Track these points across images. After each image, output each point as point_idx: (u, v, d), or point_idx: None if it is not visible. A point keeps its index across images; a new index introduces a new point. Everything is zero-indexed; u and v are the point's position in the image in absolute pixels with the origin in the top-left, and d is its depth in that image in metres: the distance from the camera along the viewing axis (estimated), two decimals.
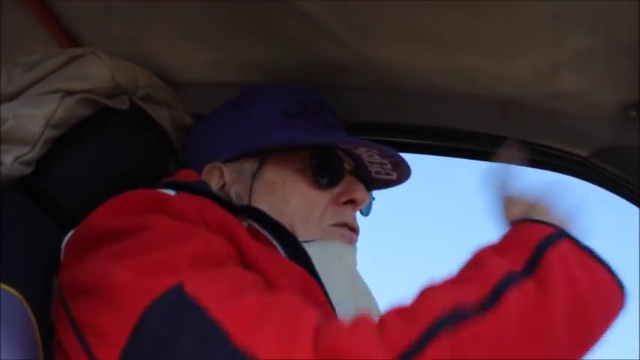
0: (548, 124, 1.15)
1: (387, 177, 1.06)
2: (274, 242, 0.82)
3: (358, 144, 0.98)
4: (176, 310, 0.64)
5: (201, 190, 0.85)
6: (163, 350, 0.63)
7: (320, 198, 0.96)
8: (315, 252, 0.87)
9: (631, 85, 1.02)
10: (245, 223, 0.84)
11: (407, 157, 1.02)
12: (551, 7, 0.93)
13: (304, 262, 0.80)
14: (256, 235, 0.83)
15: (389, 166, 1.03)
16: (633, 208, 1.09)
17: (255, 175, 0.96)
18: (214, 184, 0.96)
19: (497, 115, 1.17)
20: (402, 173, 1.05)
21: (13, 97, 0.99)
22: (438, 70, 1.13)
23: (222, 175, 0.97)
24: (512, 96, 1.14)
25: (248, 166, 0.97)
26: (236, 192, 0.96)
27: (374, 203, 1.08)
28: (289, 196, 0.95)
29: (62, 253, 0.81)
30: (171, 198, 0.79)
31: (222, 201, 0.85)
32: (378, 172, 1.05)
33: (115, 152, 1.01)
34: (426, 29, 1.03)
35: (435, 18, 1.00)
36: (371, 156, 1.00)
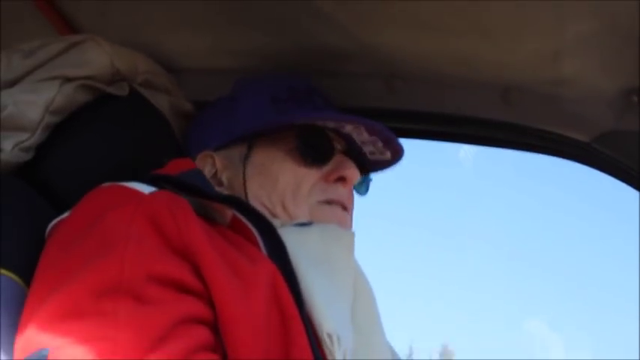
0: (548, 110, 1.15)
1: (382, 157, 1.07)
2: (255, 232, 0.82)
3: (336, 118, 0.98)
4: None
5: (185, 184, 0.85)
6: None
7: (308, 175, 0.97)
8: (313, 235, 0.87)
9: (632, 71, 1.02)
10: (229, 213, 0.85)
11: (407, 142, 1.02)
12: None
13: (281, 252, 0.80)
14: (239, 225, 0.83)
15: (380, 144, 1.04)
16: (634, 192, 1.09)
17: (246, 159, 0.97)
18: (207, 172, 0.98)
19: (498, 101, 1.17)
20: (395, 151, 1.05)
21: (12, 83, 0.98)
22: (439, 56, 1.13)
23: (214, 163, 0.99)
24: (513, 82, 1.14)
25: (237, 151, 0.99)
26: (227, 178, 0.98)
27: (371, 185, 1.09)
28: (278, 175, 0.96)
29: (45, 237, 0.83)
30: (144, 197, 0.77)
31: (207, 192, 0.85)
32: (372, 153, 1.06)
33: (114, 138, 1.01)
34: (427, 15, 1.03)
35: (436, 4, 1.00)
36: (360, 134, 1.01)
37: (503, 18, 1.00)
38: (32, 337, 0.65)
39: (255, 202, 0.94)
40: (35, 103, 0.94)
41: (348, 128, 1.00)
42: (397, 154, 1.06)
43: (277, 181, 0.95)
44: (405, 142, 1.03)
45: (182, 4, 1.15)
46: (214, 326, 0.69)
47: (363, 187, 1.06)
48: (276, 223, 0.87)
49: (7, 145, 0.92)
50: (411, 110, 1.24)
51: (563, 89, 1.11)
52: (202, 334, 0.67)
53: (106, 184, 0.83)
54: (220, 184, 0.98)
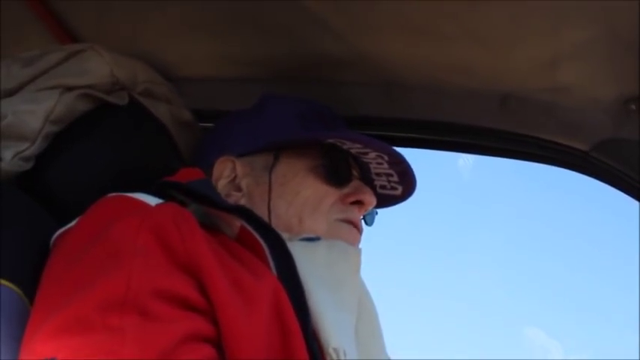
0: (547, 118, 1.14)
1: (392, 192, 1.08)
2: (263, 245, 0.82)
3: (367, 142, 0.99)
4: None
5: (194, 193, 0.85)
6: None
7: (329, 193, 0.99)
8: (320, 251, 0.88)
9: (630, 79, 1.02)
10: (237, 224, 0.85)
11: (405, 151, 1.02)
12: None
13: (289, 265, 0.80)
14: (247, 236, 0.83)
15: (395, 178, 1.05)
16: (633, 202, 1.09)
17: (272, 169, 0.98)
18: (226, 176, 0.99)
19: (496, 109, 1.17)
20: (408, 186, 1.07)
21: (12, 93, 0.99)
22: (437, 64, 1.13)
23: (234, 168, 0.99)
24: (511, 89, 1.14)
25: (261, 160, 1.00)
26: (247, 184, 0.98)
27: (376, 217, 1.09)
28: (299, 188, 0.97)
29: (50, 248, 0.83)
30: (150, 210, 0.77)
31: (216, 201, 0.85)
32: (382, 187, 1.07)
33: (114, 148, 1.01)
34: (424, 22, 1.03)
35: (434, 11, 1.00)
36: (380, 164, 1.02)
37: (501, 25, 1.00)
38: (38, 348, 0.66)
39: (272, 212, 0.95)
40: (35, 113, 0.94)
41: (371, 156, 1.01)
42: (409, 190, 1.07)
43: (298, 194, 0.97)
44: (402, 151, 1.03)
45: (182, 14, 1.16)
46: (218, 343, 0.69)
47: (369, 217, 1.07)
48: (284, 237, 0.87)
49: (7, 154, 0.93)
50: (408, 118, 1.24)
51: (562, 97, 1.11)
52: (206, 351, 0.67)
53: (112, 195, 0.83)
54: (238, 189, 0.98)
